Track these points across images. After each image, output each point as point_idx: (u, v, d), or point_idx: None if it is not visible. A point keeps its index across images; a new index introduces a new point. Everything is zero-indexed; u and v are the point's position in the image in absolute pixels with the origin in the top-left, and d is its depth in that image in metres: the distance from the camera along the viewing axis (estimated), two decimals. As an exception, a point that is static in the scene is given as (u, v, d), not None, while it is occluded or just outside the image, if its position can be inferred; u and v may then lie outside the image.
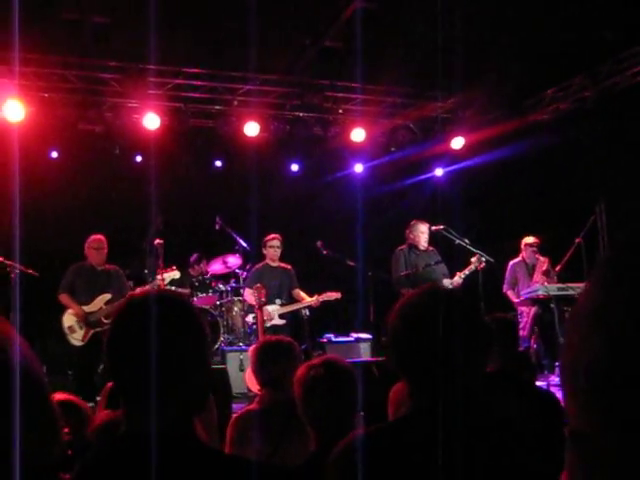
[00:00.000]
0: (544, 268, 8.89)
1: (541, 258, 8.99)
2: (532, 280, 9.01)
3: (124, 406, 1.53)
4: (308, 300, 8.64)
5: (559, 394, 5.85)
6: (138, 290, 7.74)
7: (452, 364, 1.65)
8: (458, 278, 8.39)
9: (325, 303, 8.65)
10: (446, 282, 8.47)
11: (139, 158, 10.52)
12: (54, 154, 9.92)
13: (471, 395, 1.68)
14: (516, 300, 9.12)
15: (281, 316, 8.58)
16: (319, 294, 8.63)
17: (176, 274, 8.53)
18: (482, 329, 1.79)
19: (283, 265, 8.78)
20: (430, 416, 1.62)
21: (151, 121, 9.13)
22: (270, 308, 8.44)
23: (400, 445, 1.65)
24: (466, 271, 8.38)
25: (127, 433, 1.51)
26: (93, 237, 7.96)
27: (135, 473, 1.42)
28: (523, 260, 9.22)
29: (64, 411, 2.63)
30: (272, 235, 8.74)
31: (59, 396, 2.84)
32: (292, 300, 8.73)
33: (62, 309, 7.81)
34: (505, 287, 9.29)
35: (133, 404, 1.51)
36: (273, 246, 8.69)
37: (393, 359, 1.79)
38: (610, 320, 0.56)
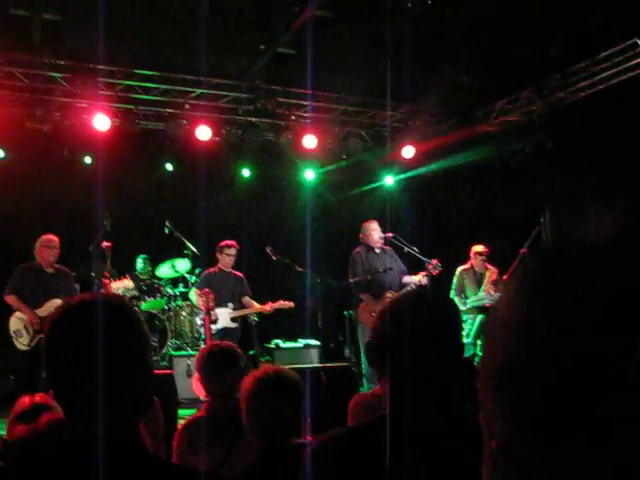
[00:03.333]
0: (493, 278, 9.03)
1: (491, 268, 9.13)
2: (479, 288, 9.15)
3: (65, 413, 1.50)
4: (259, 307, 8.63)
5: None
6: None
7: (433, 366, 1.70)
8: (423, 278, 8.40)
9: (276, 310, 8.67)
10: (408, 279, 8.51)
11: (88, 159, 10.37)
12: (0, 153, 9.70)
13: (447, 399, 1.74)
14: (462, 308, 9.26)
15: (233, 320, 8.55)
16: (273, 301, 8.64)
17: (129, 284, 8.47)
18: (459, 334, 1.86)
19: (234, 272, 8.75)
20: (409, 417, 1.65)
21: (101, 122, 9.00)
22: (221, 311, 8.40)
23: (378, 445, 1.67)
24: (425, 274, 8.43)
25: (69, 440, 1.48)
26: (47, 236, 7.76)
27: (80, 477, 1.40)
28: (472, 268, 9.35)
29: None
30: (230, 242, 8.69)
31: (38, 399, 2.74)
32: (242, 307, 8.71)
33: (8, 311, 7.61)
34: (452, 293, 9.42)
35: (73, 411, 1.47)
36: (230, 254, 8.64)
37: (375, 360, 1.82)
38: (533, 333, 0.56)
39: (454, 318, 1.87)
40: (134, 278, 9.43)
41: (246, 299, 8.73)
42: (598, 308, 0.54)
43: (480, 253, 9.21)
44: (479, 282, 9.21)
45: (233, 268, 8.73)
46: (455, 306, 1.99)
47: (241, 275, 8.77)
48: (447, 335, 1.76)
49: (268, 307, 8.59)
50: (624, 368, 0.52)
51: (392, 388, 1.75)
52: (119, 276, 8.49)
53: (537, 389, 0.55)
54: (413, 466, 1.58)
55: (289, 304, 8.63)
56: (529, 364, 0.56)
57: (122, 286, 8.33)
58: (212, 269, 8.72)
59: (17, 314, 7.55)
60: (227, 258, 8.64)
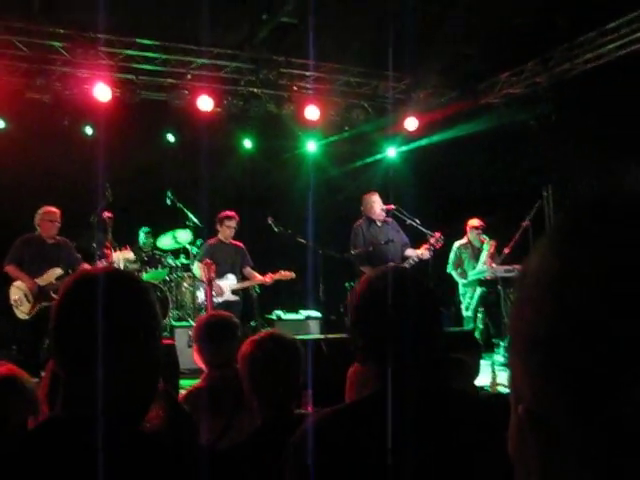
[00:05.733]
0: (491, 250, 9.03)
1: (489, 241, 9.12)
2: (477, 262, 9.15)
3: (65, 385, 1.45)
4: (260, 278, 8.64)
5: (504, 374, 5.98)
6: (86, 266, 7.64)
7: (416, 346, 1.69)
8: (426, 252, 8.31)
9: (277, 281, 8.67)
10: (410, 252, 8.47)
11: (89, 129, 10.32)
12: (0, 123, 9.65)
13: (433, 376, 1.73)
14: (463, 281, 9.27)
15: (234, 292, 8.55)
16: (273, 272, 8.64)
17: (130, 254, 8.48)
18: (438, 311, 1.85)
19: (235, 242, 8.74)
20: (393, 398, 1.64)
21: (101, 92, 8.94)
22: (223, 283, 8.41)
23: (363, 426, 1.66)
24: (427, 247, 8.35)
25: (67, 416, 1.42)
26: (48, 209, 7.79)
27: (75, 458, 1.35)
28: (469, 242, 9.35)
29: (5, 388, 2.43)
30: (230, 213, 8.66)
31: (1, 369, 2.56)
32: (243, 278, 8.72)
33: (8, 281, 7.63)
34: (449, 267, 9.41)
35: (75, 384, 1.42)
36: (230, 226, 8.62)
37: (356, 340, 1.81)
38: (568, 291, 0.53)
39: (431, 291, 1.86)
40: (136, 250, 9.43)
41: (247, 270, 8.72)
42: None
43: (476, 227, 9.21)
44: (477, 256, 9.22)
45: (233, 239, 8.72)
46: (432, 288, 1.98)
47: (242, 246, 8.76)
48: (426, 311, 1.74)
49: (268, 278, 8.59)
50: None
51: (374, 367, 1.75)
52: (120, 247, 8.47)
53: (570, 350, 0.52)
54: (406, 442, 1.58)
55: (290, 274, 8.63)
56: (562, 322, 0.53)
57: (122, 257, 8.32)
58: (212, 240, 8.70)
59: (17, 283, 7.58)
60: (227, 230, 8.62)
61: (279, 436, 2.52)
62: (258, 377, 2.66)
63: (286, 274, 8.62)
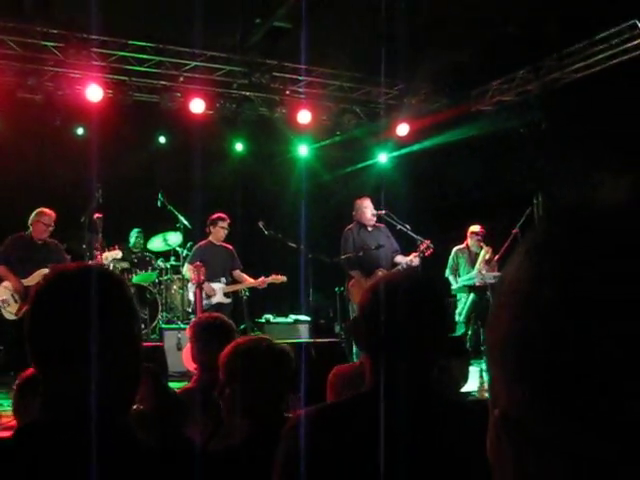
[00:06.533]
0: (487, 257, 9.06)
1: (485, 247, 9.15)
2: (473, 268, 9.18)
3: (43, 388, 1.40)
4: (252, 281, 8.64)
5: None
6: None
7: (421, 345, 1.73)
8: (416, 259, 8.33)
9: (267, 284, 8.68)
10: (400, 259, 8.49)
11: (81, 130, 10.30)
12: (-9, 122, 9.61)
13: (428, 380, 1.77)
14: (455, 286, 9.30)
15: (226, 294, 8.55)
16: (266, 276, 8.64)
17: (118, 254, 8.46)
18: (445, 318, 1.89)
19: (225, 245, 8.73)
20: (392, 394, 1.67)
21: (94, 93, 8.92)
22: (215, 285, 8.40)
23: (355, 421, 1.68)
24: (416, 254, 8.38)
25: (45, 420, 1.37)
26: (45, 211, 7.77)
27: (56, 462, 1.30)
28: (467, 247, 9.38)
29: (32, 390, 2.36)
30: (222, 215, 8.66)
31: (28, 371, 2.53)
32: (233, 280, 8.71)
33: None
34: (447, 272, 9.44)
35: (52, 384, 1.38)
36: (223, 227, 8.61)
37: (361, 336, 1.83)
38: (542, 297, 0.53)
39: (442, 300, 1.88)
40: (126, 252, 9.41)
41: (237, 273, 8.71)
42: (615, 267, 0.51)
43: (476, 233, 9.24)
44: (474, 262, 9.25)
45: (223, 241, 8.72)
46: (444, 288, 2.01)
47: (231, 248, 8.75)
48: (435, 316, 1.77)
49: (261, 282, 8.60)
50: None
51: (374, 365, 1.77)
52: (109, 247, 8.47)
53: (544, 355, 0.53)
54: (396, 444, 1.59)
55: (282, 278, 8.64)
56: (536, 328, 0.54)
57: (111, 255, 8.31)
58: (203, 242, 8.69)
59: (4, 283, 7.55)
60: (221, 231, 8.61)
61: (270, 443, 2.50)
62: (244, 382, 2.59)
63: (278, 278, 8.63)
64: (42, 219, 7.74)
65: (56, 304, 1.39)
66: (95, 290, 1.37)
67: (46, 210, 7.78)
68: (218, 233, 8.61)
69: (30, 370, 2.50)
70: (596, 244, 0.53)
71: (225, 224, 8.63)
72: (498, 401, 0.59)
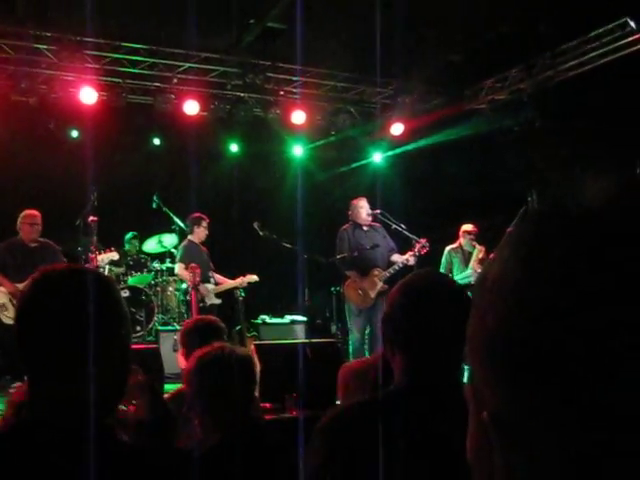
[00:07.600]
0: (480, 256, 9.06)
1: (478, 246, 9.15)
2: (467, 267, 9.18)
3: (31, 389, 1.39)
4: (232, 282, 8.66)
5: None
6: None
7: (453, 344, 1.75)
8: (412, 258, 8.33)
9: (249, 285, 8.69)
10: (396, 258, 8.49)
11: (75, 133, 10.28)
12: (-16, 125, 9.59)
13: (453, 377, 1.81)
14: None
15: (217, 295, 8.55)
16: (243, 275, 8.65)
17: (114, 255, 8.44)
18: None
19: (203, 247, 8.76)
20: (428, 391, 1.73)
21: (87, 95, 8.91)
22: (208, 287, 8.40)
23: (397, 416, 1.71)
24: (412, 254, 8.38)
25: (32, 421, 1.36)
26: (27, 212, 7.75)
27: (39, 463, 1.29)
28: (460, 247, 9.37)
29: None
30: (203, 215, 8.69)
31: None
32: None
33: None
34: (440, 271, 9.43)
35: (41, 387, 1.38)
36: (206, 227, 8.64)
37: (392, 333, 1.84)
38: (530, 296, 0.53)
39: (470, 301, 1.90)
40: (121, 254, 9.39)
41: (215, 274, 8.73)
42: (608, 267, 0.51)
43: (469, 232, 9.22)
44: (467, 261, 9.24)
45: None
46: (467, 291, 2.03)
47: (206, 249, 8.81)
48: (465, 316, 1.78)
49: (241, 281, 8.62)
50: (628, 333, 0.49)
51: (406, 362, 1.79)
52: (104, 249, 8.46)
53: (533, 355, 0.52)
54: (436, 441, 1.62)
55: (254, 277, 8.67)
56: (524, 328, 0.53)
57: (107, 257, 8.29)
58: (189, 242, 8.64)
59: (2, 288, 7.54)
60: (204, 231, 8.63)
61: (243, 448, 2.49)
62: (208, 396, 2.58)
63: (252, 277, 8.65)
64: (26, 220, 7.72)
65: (41, 306, 1.39)
66: (81, 291, 1.36)
67: (27, 211, 7.76)
68: (202, 233, 8.61)
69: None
70: (588, 243, 0.52)
71: (206, 224, 8.64)
72: (485, 404, 0.58)
